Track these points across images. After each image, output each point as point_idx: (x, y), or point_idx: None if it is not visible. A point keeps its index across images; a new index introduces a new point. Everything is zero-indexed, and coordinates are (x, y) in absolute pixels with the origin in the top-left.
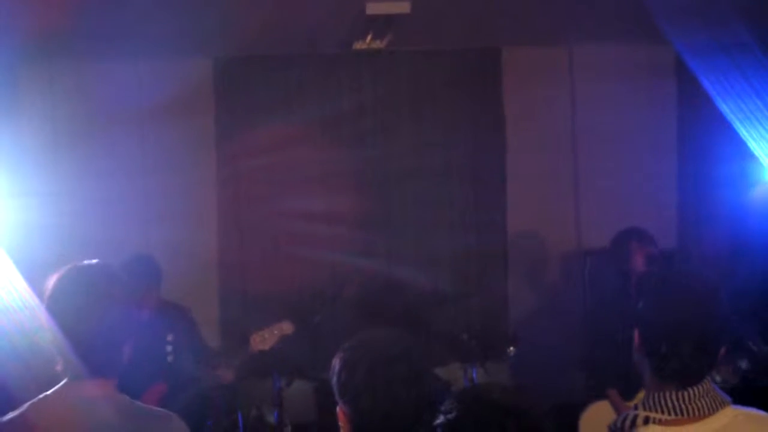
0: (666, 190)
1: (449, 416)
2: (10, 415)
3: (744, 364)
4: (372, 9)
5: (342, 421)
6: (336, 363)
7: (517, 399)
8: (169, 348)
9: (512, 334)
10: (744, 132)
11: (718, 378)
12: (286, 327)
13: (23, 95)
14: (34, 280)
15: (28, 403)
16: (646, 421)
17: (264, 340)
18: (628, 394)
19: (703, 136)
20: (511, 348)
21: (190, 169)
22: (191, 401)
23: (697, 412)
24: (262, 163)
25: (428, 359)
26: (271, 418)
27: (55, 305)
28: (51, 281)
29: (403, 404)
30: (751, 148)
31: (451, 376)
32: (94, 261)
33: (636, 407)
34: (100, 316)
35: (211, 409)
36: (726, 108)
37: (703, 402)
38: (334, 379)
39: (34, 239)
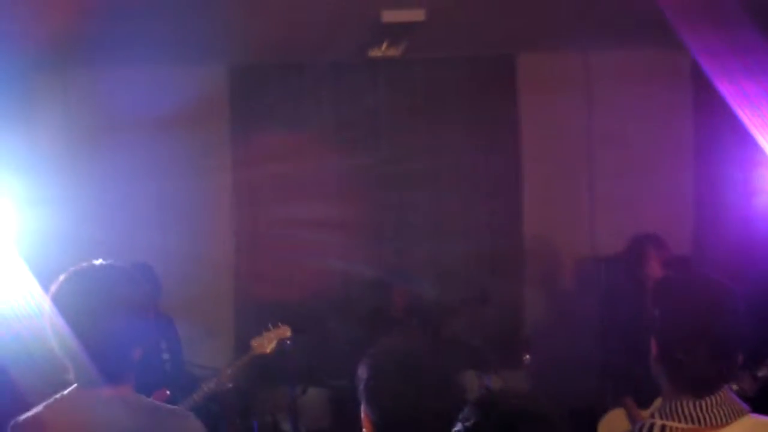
0: (682, 196)
1: (467, 423)
2: (26, 414)
3: (762, 372)
4: (387, 17)
5: (366, 427)
6: (363, 368)
7: (536, 406)
8: (165, 356)
9: (527, 341)
10: (760, 138)
11: (735, 387)
12: (285, 331)
13: (38, 102)
14: (49, 287)
15: (44, 404)
16: (663, 429)
17: (264, 344)
18: (644, 401)
19: (719, 141)
20: (527, 355)
21: (205, 176)
22: (207, 407)
23: (714, 421)
24: (276, 170)
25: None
26: (286, 425)
27: (61, 307)
28: (59, 281)
29: (430, 413)
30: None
31: (467, 383)
32: (101, 262)
33: (653, 416)
34: (107, 319)
35: (227, 416)
36: (742, 114)
37: (721, 411)
38: (362, 385)
39: (50, 246)
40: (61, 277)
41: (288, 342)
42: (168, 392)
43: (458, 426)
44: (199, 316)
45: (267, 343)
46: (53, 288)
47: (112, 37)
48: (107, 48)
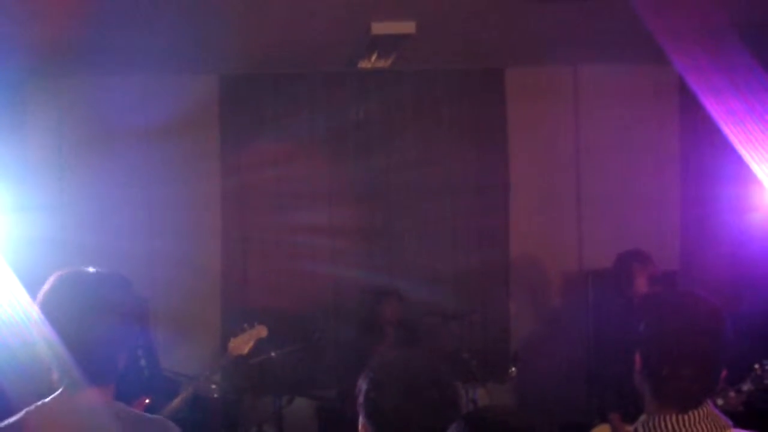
0: (669, 211)
1: None
2: (9, 420)
3: (746, 387)
4: (377, 29)
5: None
6: (364, 381)
7: (524, 421)
8: (142, 362)
9: (514, 354)
10: (746, 154)
11: (720, 402)
12: (262, 331)
13: (30, 109)
14: (38, 294)
15: (25, 410)
16: None
17: (241, 346)
18: (630, 417)
19: (705, 156)
20: (513, 368)
21: (194, 184)
22: (193, 418)
23: None
24: (266, 178)
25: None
26: None
27: (49, 311)
28: (46, 285)
29: (431, 426)
30: (754, 169)
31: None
32: (89, 268)
33: (635, 430)
34: (93, 323)
35: (213, 425)
36: (728, 129)
37: (704, 426)
38: (362, 398)
39: (38, 252)
40: (48, 281)
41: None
42: (148, 400)
43: None
44: (186, 322)
45: (244, 345)
46: (42, 291)
47: (104, 46)
48: (99, 56)
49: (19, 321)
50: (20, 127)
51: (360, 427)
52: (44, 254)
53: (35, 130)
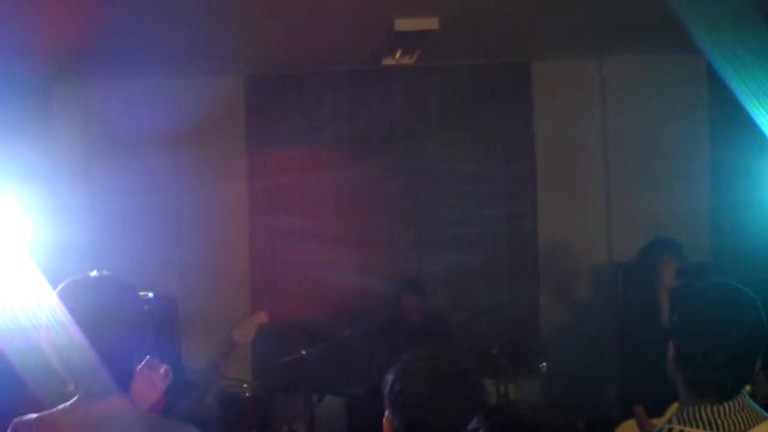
0: (699, 201)
1: None
2: (31, 415)
3: None
4: (401, 25)
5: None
6: (391, 374)
7: (545, 416)
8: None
9: (544, 350)
10: None
11: (748, 388)
12: (262, 316)
13: (57, 113)
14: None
15: (45, 413)
16: None
17: (246, 334)
18: (656, 411)
19: (736, 144)
20: (543, 363)
21: (221, 186)
22: (225, 417)
23: (732, 427)
24: (292, 181)
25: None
26: None
27: (64, 318)
28: (58, 291)
29: (455, 421)
30: None
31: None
32: (102, 273)
33: (670, 421)
34: (109, 330)
35: (245, 424)
36: (759, 116)
37: (739, 417)
38: (387, 390)
39: (67, 256)
40: (61, 288)
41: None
42: (163, 401)
43: None
44: (214, 326)
45: (247, 332)
46: (51, 296)
47: (129, 49)
48: (125, 59)
49: (49, 324)
50: (48, 131)
51: (384, 420)
52: (72, 257)
53: (63, 134)
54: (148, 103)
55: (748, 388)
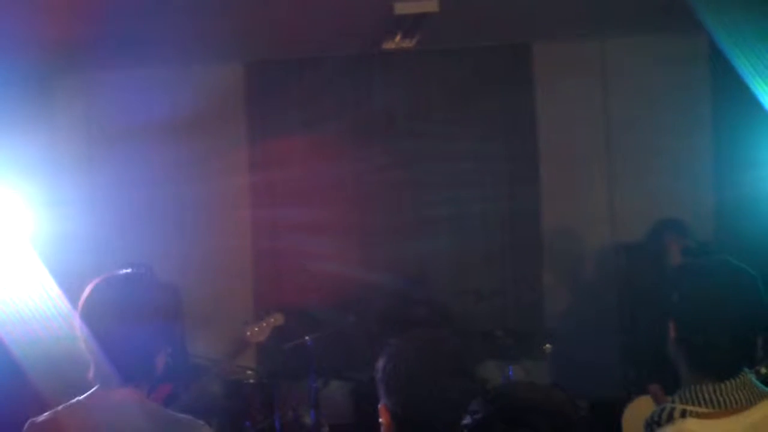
0: (702, 181)
1: (476, 416)
2: (44, 416)
3: None
4: (401, 9)
5: (384, 418)
6: (382, 359)
7: (548, 398)
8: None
9: (548, 331)
10: None
11: (764, 371)
12: (278, 318)
13: (58, 105)
14: (69, 289)
15: (61, 406)
16: (683, 414)
17: (258, 332)
18: (670, 388)
19: (739, 124)
20: (548, 345)
21: (223, 176)
22: (230, 404)
23: (734, 405)
24: (294, 169)
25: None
26: (308, 419)
27: (89, 312)
28: (87, 289)
29: (448, 403)
30: None
31: (488, 374)
32: (131, 270)
33: (673, 400)
34: (131, 325)
35: (249, 410)
36: (762, 95)
37: (741, 394)
38: (380, 375)
39: (69, 248)
40: (90, 285)
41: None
42: (170, 387)
43: (467, 419)
44: (218, 316)
45: (261, 334)
46: (83, 296)
47: (128, 39)
48: (124, 50)
49: (51, 315)
50: (49, 123)
51: (380, 407)
52: (74, 249)
53: (63, 126)
54: (148, 94)
55: (764, 371)
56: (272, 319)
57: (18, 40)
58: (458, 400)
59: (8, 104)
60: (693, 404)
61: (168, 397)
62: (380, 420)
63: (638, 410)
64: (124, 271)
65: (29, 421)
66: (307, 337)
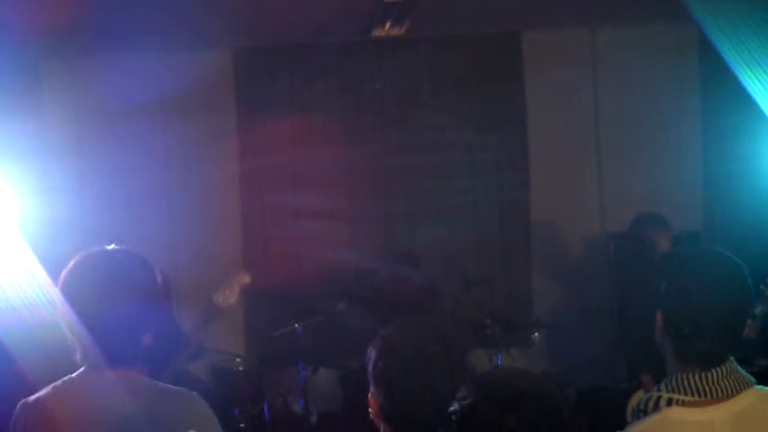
0: (691, 171)
1: (464, 402)
2: (36, 395)
3: (758, 309)
4: None
5: (374, 408)
6: (372, 349)
7: (535, 384)
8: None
9: (536, 320)
10: None
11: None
12: (244, 277)
13: (46, 92)
14: (57, 275)
15: (51, 386)
16: (669, 402)
17: (227, 296)
18: (661, 378)
19: (727, 114)
20: (536, 333)
21: (212, 163)
22: (218, 391)
23: (720, 393)
24: (283, 156)
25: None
26: (297, 406)
27: (69, 291)
28: (67, 266)
29: (438, 393)
30: None
31: (476, 363)
32: (114, 247)
33: (659, 389)
34: (114, 303)
35: (238, 397)
36: (751, 85)
37: (727, 383)
38: (370, 366)
39: (57, 235)
40: (72, 261)
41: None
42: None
43: (454, 405)
44: (208, 302)
45: (230, 294)
46: (64, 272)
47: (117, 25)
48: (113, 35)
49: (39, 302)
50: (37, 109)
51: (369, 396)
52: (63, 236)
53: (52, 112)
54: (137, 80)
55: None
56: (238, 278)
57: (5, 26)
58: (447, 394)
59: None
60: (679, 393)
61: (157, 367)
62: (370, 409)
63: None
64: (107, 247)
65: (21, 402)
66: (296, 325)
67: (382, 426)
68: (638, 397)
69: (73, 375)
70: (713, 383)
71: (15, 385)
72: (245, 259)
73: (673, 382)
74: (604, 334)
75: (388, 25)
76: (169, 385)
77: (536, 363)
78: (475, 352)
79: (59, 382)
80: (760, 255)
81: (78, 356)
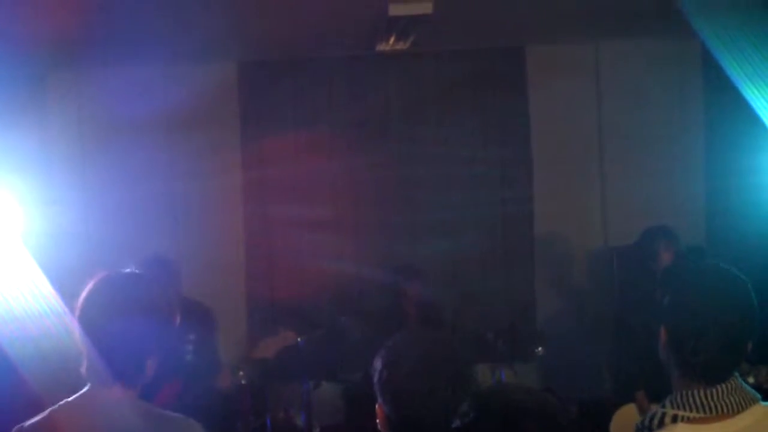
0: (694, 185)
1: (466, 419)
2: (35, 418)
3: None
4: (394, 10)
5: (380, 420)
6: (378, 361)
7: (537, 400)
8: (189, 347)
9: (540, 334)
10: None
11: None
12: (290, 337)
13: (50, 103)
14: (62, 286)
15: (49, 409)
16: (675, 419)
17: (268, 348)
18: (656, 396)
19: (731, 128)
20: (539, 348)
21: (216, 175)
22: (220, 403)
23: (725, 410)
24: (286, 169)
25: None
26: (299, 420)
27: (85, 308)
28: (86, 287)
29: (444, 406)
30: None
31: (479, 376)
32: (129, 270)
33: (663, 405)
34: (124, 324)
35: (240, 411)
36: (754, 98)
37: (732, 399)
38: (376, 377)
39: (61, 246)
40: (90, 281)
41: (299, 340)
42: (180, 385)
43: (457, 422)
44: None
45: (271, 348)
46: (82, 294)
47: (121, 36)
48: (118, 48)
49: (43, 313)
50: (41, 121)
51: (377, 406)
52: (67, 247)
53: (55, 123)
54: (141, 91)
55: (751, 380)
56: (285, 337)
57: (10, 38)
58: (454, 407)
59: (0, 102)
60: (684, 409)
61: (176, 395)
62: (377, 420)
63: (625, 418)
64: (122, 270)
65: (16, 428)
66: (298, 338)
67: None
68: (623, 412)
69: (72, 398)
70: (719, 399)
71: (16, 394)
72: (248, 272)
73: (678, 399)
74: (607, 348)
75: (392, 39)
76: (167, 411)
77: (539, 377)
78: (477, 366)
79: (56, 405)
80: (763, 269)
81: (84, 369)
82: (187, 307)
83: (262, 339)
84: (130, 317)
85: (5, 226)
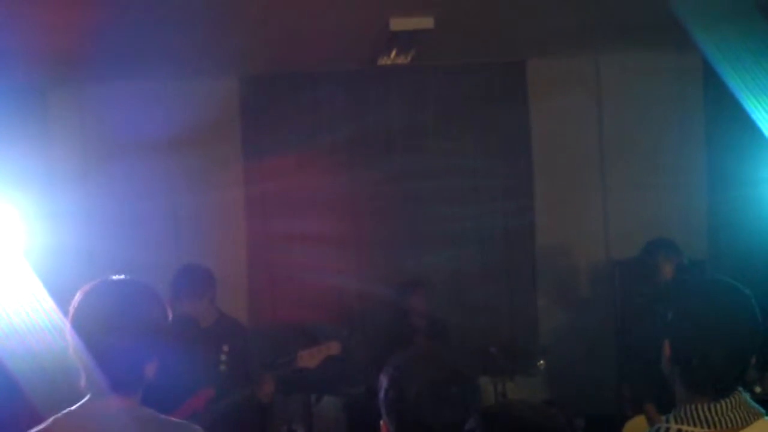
0: (696, 198)
1: None
2: (34, 430)
3: None
4: (396, 25)
5: None
6: (384, 379)
7: (543, 416)
8: (223, 357)
9: (542, 347)
10: None
11: (758, 389)
12: (334, 347)
13: (53, 119)
14: (63, 302)
15: (52, 418)
16: None
17: (312, 358)
18: (664, 406)
19: (732, 142)
20: (541, 361)
21: (218, 189)
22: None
23: (730, 424)
24: (288, 185)
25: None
26: None
27: (78, 318)
28: (77, 295)
29: (449, 422)
30: None
31: (482, 390)
32: (123, 276)
33: (667, 419)
34: (120, 333)
35: (242, 424)
36: (755, 111)
37: (736, 414)
38: (381, 395)
39: (63, 261)
40: (80, 291)
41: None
42: (212, 393)
43: None
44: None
45: (313, 359)
46: (74, 300)
47: (124, 52)
48: (120, 64)
49: (45, 328)
50: (44, 136)
51: (381, 423)
52: (69, 262)
53: (58, 139)
54: (143, 107)
55: (758, 389)
56: (328, 347)
57: (13, 53)
58: (459, 423)
59: (3, 117)
60: (688, 424)
61: (208, 403)
62: None
63: (636, 429)
64: (117, 276)
65: None
66: (300, 353)
67: None
68: (635, 423)
69: (73, 407)
70: (723, 414)
71: (17, 409)
72: (250, 286)
73: (683, 413)
74: (610, 361)
75: (393, 53)
76: (170, 418)
77: (542, 391)
78: (480, 380)
79: (60, 414)
80: (765, 282)
81: (82, 382)
82: (225, 321)
83: (303, 349)
84: (125, 326)
85: (8, 241)
